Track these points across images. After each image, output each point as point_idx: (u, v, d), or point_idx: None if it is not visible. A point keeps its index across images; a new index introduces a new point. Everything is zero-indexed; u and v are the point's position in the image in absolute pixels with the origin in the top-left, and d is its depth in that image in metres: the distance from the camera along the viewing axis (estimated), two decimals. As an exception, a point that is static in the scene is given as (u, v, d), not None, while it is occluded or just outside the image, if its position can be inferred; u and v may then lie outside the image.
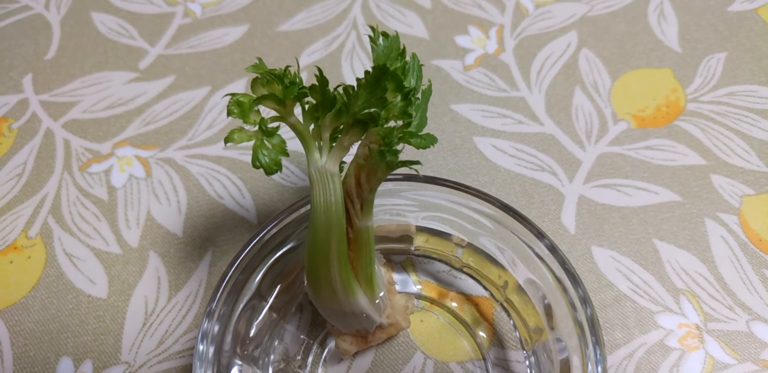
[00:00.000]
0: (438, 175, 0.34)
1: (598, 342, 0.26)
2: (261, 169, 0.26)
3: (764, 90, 0.44)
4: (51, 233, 0.39)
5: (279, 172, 0.26)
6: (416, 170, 0.26)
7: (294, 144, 0.28)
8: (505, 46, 0.46)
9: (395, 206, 0.33)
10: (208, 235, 0.39)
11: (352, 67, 0.46)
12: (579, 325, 0.27)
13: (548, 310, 0.29)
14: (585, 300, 0.27)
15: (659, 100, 0.43)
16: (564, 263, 0.28)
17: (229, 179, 0.41)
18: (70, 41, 0.48)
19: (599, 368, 0.26)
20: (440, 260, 0.36)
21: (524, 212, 0.34)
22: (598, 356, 0.26)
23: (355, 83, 0.25)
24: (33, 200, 0.40)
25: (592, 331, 0.27)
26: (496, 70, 0.45)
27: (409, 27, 0.48)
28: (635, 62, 0.45)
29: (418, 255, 0.36)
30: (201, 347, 0.27)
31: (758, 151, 0.41)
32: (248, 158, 0.41)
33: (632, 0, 0.49)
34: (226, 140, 0.25)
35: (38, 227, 0.39)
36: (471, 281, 0.35)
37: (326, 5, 0.49)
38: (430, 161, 0.41)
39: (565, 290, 0.28)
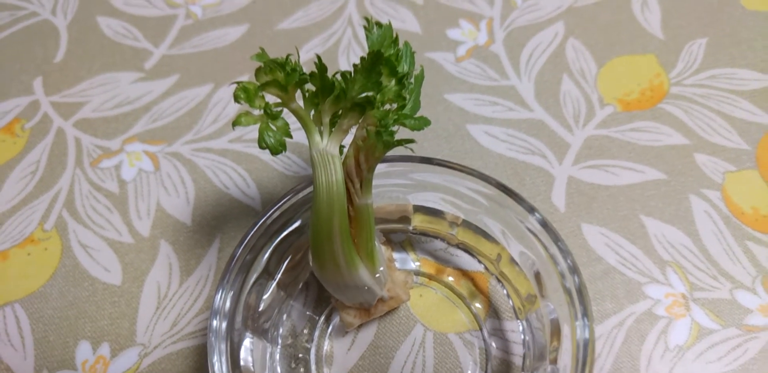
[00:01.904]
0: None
1: (585, 309, 0.28)
2: (268, 152, 0.28)
3: (744, 72, 0.46)
4: (66, 226, 0.41)
5: (284, 153, 0.28)
6: (411, 149, 0.28)
7: (294, 135, 0.30)
8: (495, 38, 0.48)
9: (393, 187, 0.34)
10: (216, 223, 0.40)
11: (349, 62, 0.47)
12: (568, 293, 0.29)
13: (538, 277, 0.31)
14: (573, 270, 0.29)
15: (644, 84, 0.45)
16: (555, 237, 0.30)
17: (234, 170, 0.42)
18: (77, 45, 0.50)
19: (586, 333, 0.27)
20: (437, 238, 0.38)
21: (516, 193, 0.36)
22: (585, 321, 0.28)
23: (352, 70, 0.27)
24: (47, 195, 0.42)
25: (580, 299, 0.28)
26: (486, 61, 0.47)
27: (403, 22, 0.50)
28: (620, 49, 0.47)
29: (416, 233, 0.38)
30: (214, 323, 0.29)
31: (739, 129, 0.43)
32: (252, 151, 0.43)
33: (616, -9, 0.51)
34: (234, 123, 0.27)
35: (53, 220, 0.41)
36: (466, 257, 0.37)
37: (322, 4, 0.51)
38: (425, 149, 0.43)
39: (555, 261, 0.30)
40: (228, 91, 0.46)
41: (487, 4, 0.50)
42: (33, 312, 0.38)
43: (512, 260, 0.33)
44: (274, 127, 0.28)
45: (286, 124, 0.28)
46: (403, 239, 0.38)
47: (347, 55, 0.48)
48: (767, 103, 0.44)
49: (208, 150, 0.44)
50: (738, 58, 0.46)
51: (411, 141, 0.27)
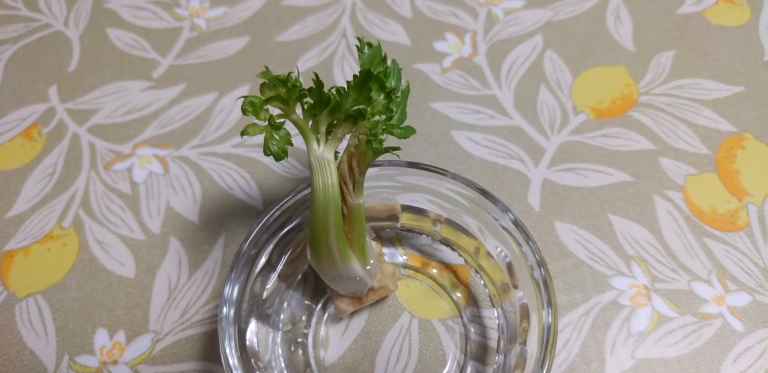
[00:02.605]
0: (420, 164, 0.40)
1: (550, 299, 0.31)
2: (271, 157, 0.31)
3: (707, 83, 0.49)
4: (82, 224, 0.44)
5: (285, 159, 0.32)
6: (397, 155, 0.32)
7: (294, 141, 0.33)
8: (479, 50, 0.52)
9: (383, 189, 0.38)
10: (221, 221, 0.44)
11: (343, 72, 0.51)
12: (536, 283, 0.32)
13: (510, 267, 0.35)
14: (541, 263, 0.32)
15: (615, 93, 0.49)
16: (526, 235, 0.33)
17: (237, 173, 0.46)
18: (89, 55, 0.53)
19: (549, 318, 0.31)
20: (422, 234, 0.41)
21: (496, 194, 0.40)
22: (549, 310, 0.31)
23: (345, 85, 0.31)
24: (65, 196, 0.46)
25: (545, 289, 0.32)
26: (470, 72, 0.51)
27: (393, 35, 0.53)
28: (594, 61, 0.51)
29: (404, 230, 0.42)
30: (224, 310, 0.32)
31: (701, 136, 0.47)
32: (254, 155, 0.47)
33: (592, 5, 0.55)
34: (243, 133, 0.30)
35: (71, 218, 0.45)
36: (448, 251, 0.41)
37: (318, 17, 0.54)
38: (413, 153, 0.46)
39: (525, 255, 0.33)
40: (231, 99, 0.50)
41: (472, 18, 0.54)
42: (54, 302, 0.41)
43: (488, 254, 0.37)
44: (277, 137, 0.31)
45: (288, 133, 0.32)
46: (391, 236, 0.42)
47: (341, 65, 0.51)
48: (727, 112, 0.48)
49: (213, 154, 0.47)
50: (703, 69, 0.50)
51: (397, 148, 0.31)
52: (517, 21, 0.54)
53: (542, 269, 0.32)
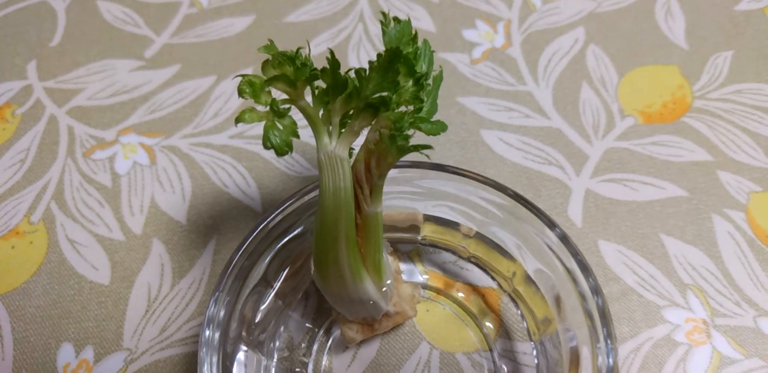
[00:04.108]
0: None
1: (609, 333, 0.26)
2: (272, 151, 0.26)
3: (771, 88, 0.44)
4: (54, 219, 0.39)
5: (290, 154, 0.26)
6: (427, 155, 0.26)
7: (300, 134, 0.28)
8: (513, 41, 0.46)
9: (403, 194, 0.32)
10: (213, 223, 0.38)
11: (359, 60, 0.46)
12: (589, 315, 0.27)
13: (557, 300, 0.29)
14: (596, 290, 0.27)
15: (666, 96, 0.43)
16: (575, 254, 0.28)
17: (234, 168, 0.40)
18: (75, 29, 0.48)
19: (610, 360, 0.26)
20: (447, 250, 0.36)
21: (531, 205, 0.34)
22: (608, 347, 0.26)
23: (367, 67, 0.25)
24: (36, 186, 0.40)
25: (603, 321, 0.26)
26: (503, 64, 0.45)
27: (417, 20, 0.48)
28: (642, 59, 0.45)
29: (425, 244, 0.36)
30: (207, 332, 0.27)
31: (765, 148, 0.41)
32: (254, 148, 0.41)
33: (639, -3, 0.49)
34: (237, 120, 0.25)
35: (41, 212, 0.39)
36: (478, 271, 0.35)
37: (334, -3, 0.49)
38: (436, 153, 0.41)
39: (575, 280, 0.28)
40: (231, 84, 0.44)
41: (506, 5, 0.48)
42: (14, 310, 0.36)
43: (528, 279, 0.31)
44: (280, 126, 0.26)
45: (294, 122, 0.26)
46: (410, 249, 0.36)
47: (357, 52, 0.46)
48: (795, 121, 0.42)
49: (208, 145, 0.42)
50: (765, 73, 0.45)
51: (428, 147, 0.25)
52: (557, 10, 0.48)
53: (599, 298, 0.26)
